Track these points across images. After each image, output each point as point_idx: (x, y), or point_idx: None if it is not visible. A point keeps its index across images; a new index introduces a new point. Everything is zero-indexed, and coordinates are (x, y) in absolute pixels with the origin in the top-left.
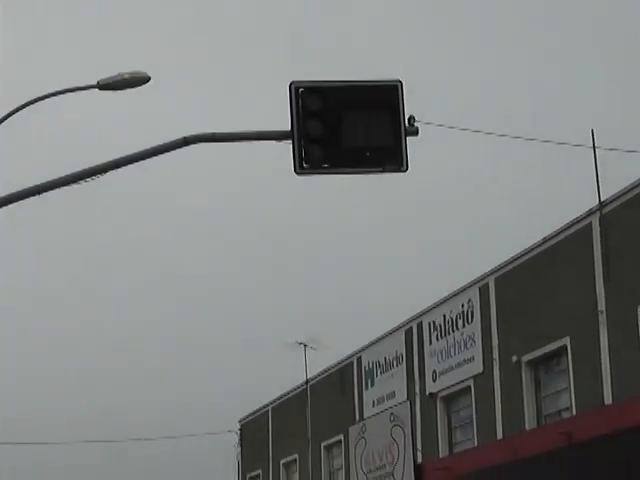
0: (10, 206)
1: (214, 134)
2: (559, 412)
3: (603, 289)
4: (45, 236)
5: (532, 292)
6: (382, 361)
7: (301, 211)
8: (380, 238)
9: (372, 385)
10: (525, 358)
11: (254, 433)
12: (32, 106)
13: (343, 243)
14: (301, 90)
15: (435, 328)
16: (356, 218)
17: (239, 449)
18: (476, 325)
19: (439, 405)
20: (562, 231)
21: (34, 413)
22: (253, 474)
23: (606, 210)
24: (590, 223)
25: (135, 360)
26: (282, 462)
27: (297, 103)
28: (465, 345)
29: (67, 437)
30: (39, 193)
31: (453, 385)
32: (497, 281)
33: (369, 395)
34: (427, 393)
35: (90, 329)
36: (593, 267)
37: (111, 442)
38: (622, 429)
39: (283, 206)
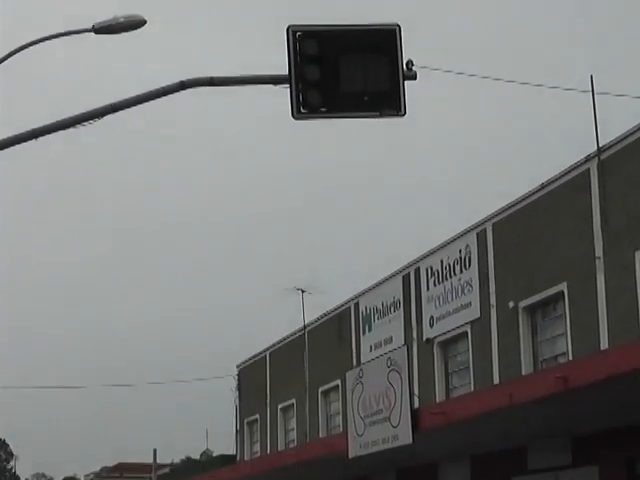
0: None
1: (212, 78)
2: (555, 357)
3: (600, 235)
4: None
5: (529, 238)
6: (380, 306)
7: (299, 157)
8: (378, 184)
9: (369, 330)
10: (522, 304)
11: (252, 378)
12: (27, 50)
13: (341, 189)
14: (299, 34)
15: (432, 274)
16: (356, 164)
17: (237, 394)
18: (473, 271)
19: (436, 350)
20: (560, 177)
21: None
22: (251, 419)
23: (604, 156)
24: (588, 169)
25: (140, 304)
26: (280, 407)
27: (295, 47)
28: (462, 291)
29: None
30: (36, 137)
31: (450, 330)
32: (495, 227)
33: (366, 340)
34: (424, 338)
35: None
36: (591, 213)
37: (116, 386)
38: (618, 374)
39: (282, 150)
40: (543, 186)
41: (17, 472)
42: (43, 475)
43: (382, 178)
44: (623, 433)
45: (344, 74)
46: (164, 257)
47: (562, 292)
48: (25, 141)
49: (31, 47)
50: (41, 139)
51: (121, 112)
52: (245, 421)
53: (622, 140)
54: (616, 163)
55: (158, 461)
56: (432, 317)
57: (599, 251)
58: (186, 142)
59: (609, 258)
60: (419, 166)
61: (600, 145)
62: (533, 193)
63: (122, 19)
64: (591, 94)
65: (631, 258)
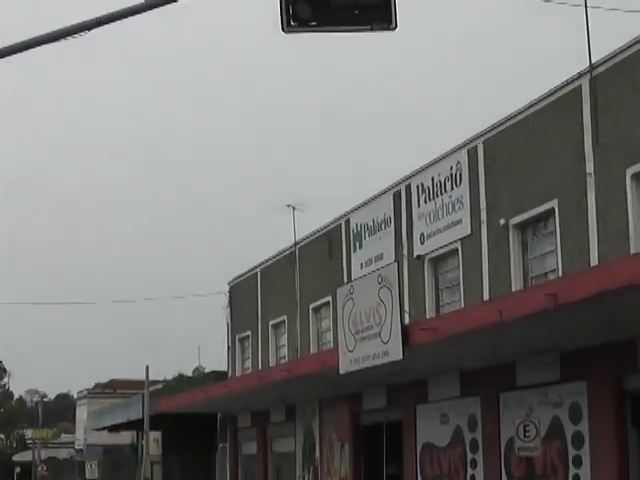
0: None
1: None
2: (545, 274)
3: (592, 152)
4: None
5: (521, 155)
6: (370, 223)
7: (289, 74)
8: (374, 100)
9: (360, 247)
10: (513, 221)
11: (243, 295)
12: None
13: (329, 102)
14: None
15: (423, 191)
16: (346, 75)
17: (228, 311)
18: (464, 188)
19: (426, 267)
20: (552, 94)
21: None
22: (242, 335)
23: (596, 72)
24: (580, 86)
25: (132, 223)
26: (271, 323)
27: None
28: (453, 208)
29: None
30: (21, 50)
31: (440, 247)
32: (486, 144)
33: (357, 257)
34: (415, 255)
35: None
36: (582, 130)
37: (114, 303)
38: (607, 290)
39: (272, 65)
40: (534, 103)
41: (11, 389)
42: (36, 392)
43: (375, 94)
44: (611, 349)
45: None
46: (158, 179)
47: (553, 209)
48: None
49: None
50: None
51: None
52: (236, 338)
53: (614, 56)
54: (608, 80)
55: (150, 378)
56: (423, 234)
57: (590, 168)
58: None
59: (600, 175)
60: (412, 82)
61: (592, 62)
62: (524, 110)
63: None
64: (584, 8)
65: (622, 175)
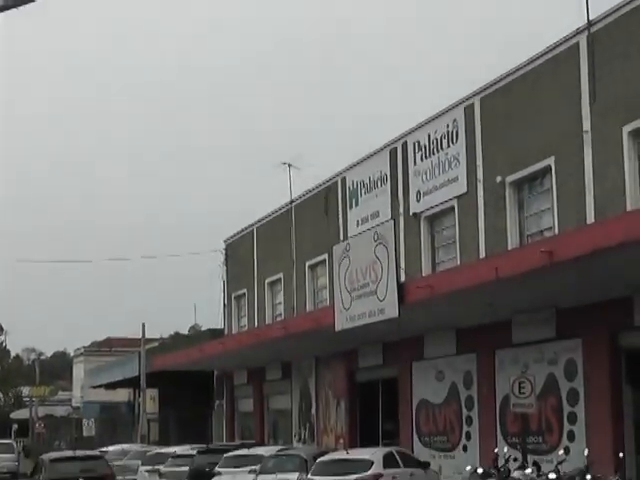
0: None
1: None
2: (541, 232)
3: (589, 109)
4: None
5: (518, 113)
6: (366, 181)
7: (284, 24)
8: (369, 56)
9: (356, 205)
10: (509, 178)
11: (239, 253)
12: None
13: (329, 59)
14: None
15: (420, 148)
16: (345, 27)
17: (224, 269)
18: (461, 145)
19: (423, 225)
20: (549, 51)
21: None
22: (238, 293)
23: (594, 29)
24: (577, 43)
25: (130, 180)
26: (267, 281)
27: None
28: (449, 165)
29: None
30: None
31: (437, 205)
32: (482, 101)
33: (353, 215)
34: (411, 213)
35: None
36: (579, 87)
37: (111, 260)
38: (603, 248)
39: (266, 15)
40: (532, 60)
41: (7, 346)
42: (33, 350)
43: (360, 49)
44: (607, 306)
45: None
46: (156, 136)
47: (549, 167)
48: None
49: None
50: None
51: None
52: (233, 296)
53: (612, 13)
54: (606, 37)
55: (147, 336)
56: (419, 192)
57: (587, 125)
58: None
59: (597, 132)
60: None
61: (590, 19)
62: (521, 67)
63: None
64: None
65: (619, 132)
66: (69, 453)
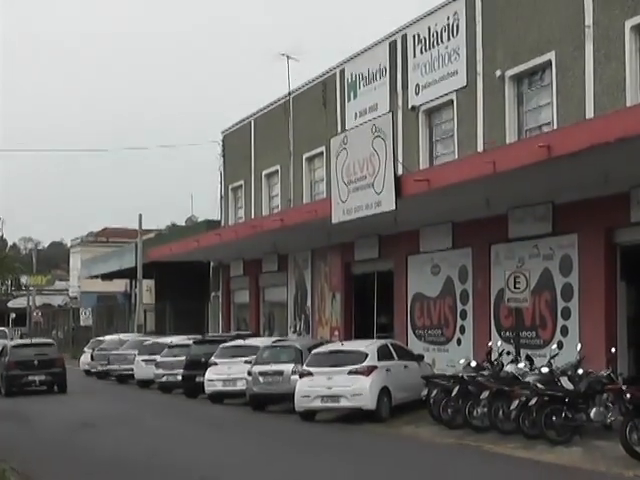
0: None
1: None
2: (540, 127)
3: (591, 3)
4: None
5: (519, 6)
6: (365, 73)
7: None
8: None
9: (355, 97)
10: (509, 73)
11: (237, 144)
12: None
13: None
14: None
15: (420, 41)
16: None
17: (222, 160)
18: (461, 38)
19: (421, 118)
20: None
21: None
22: (235, 185)
23: None
24: None
25: (130, 71)
26: (264, 173)
27: None
28: (449, 59)
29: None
30: None
31: (436, 98)
32: None
33: (351, 107)
34: (409, 106)
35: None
36: None
37: (110, 151)
38: (601, 143)
39: None
40: None
41: (4, 236)
42: (30, 239)
43: None
44: (603, 202)
45: None
46: (156, 27)
47: (550, 61)
48: None
49: None
50: None
51: None
52: (230, 187)
53: None
54: None
55: (144, 227)
56: (418, 85)
57: (589, 19)
58: None
59: (598, 27)
60: None
61: None
62: None
63: None
64: None
65: (621, 27)
66: (27, 341)
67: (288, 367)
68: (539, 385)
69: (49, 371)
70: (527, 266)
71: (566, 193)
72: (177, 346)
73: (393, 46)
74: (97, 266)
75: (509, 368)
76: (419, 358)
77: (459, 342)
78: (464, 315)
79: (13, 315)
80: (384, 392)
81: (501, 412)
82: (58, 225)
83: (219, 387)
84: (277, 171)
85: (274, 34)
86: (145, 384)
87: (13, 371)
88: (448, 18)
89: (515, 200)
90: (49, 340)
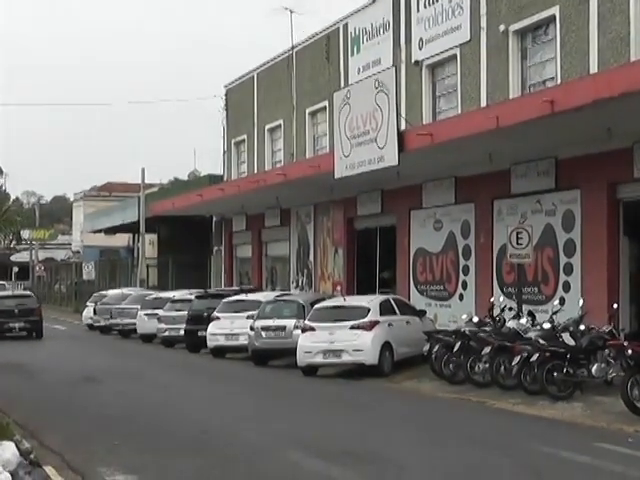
0: None
1: None
2: (544, 82)
3: None
4: None
5: None
6: (369, 28)
7: None
8: None
9: (358, 52)
10: (513, 27)
11: (240, 99)
12: None
13: None
14: None
15: None
16: None
17: (224, 114)
18: None
19: (424, 73)
20: None
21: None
22: (238, 139)
23: None
24: None
25: (132, 26)
26: (267, 127)
27: None
28: (453, 13)
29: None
30: None
31: (439, 53)
32: None
33: (354, 62)
34: (413, 61)
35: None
36: None
37: (111, 106)
38: (605, 98)
39: None
40: None
41: (7, 190)
42: (33, 193)
43: None
44: (606, 158)
45: None
46: None
47: (553, 16)
48: None
49: None
50: None
51: None
52: (232, 141)
53: None
54: None
55: (146, 181)
56: (421, 39)
57: None
58: None
59: None
60: None
61: None
62: None
63: None
64: None
65: None
66: (9, 292)
67: (290, 322)
68: (541, 341)
69: (28, 319)
70: (529, 222)
71: (569, 148)
72: (179, 300)
73: (397, 0)
74: (100, 220)
75: (511, 324)
76: (421, 313)
77: (461, 297)
78: (466, 271)
79: (16, 269)
80: (386, 347)
81: (502, 368)
82: (61, 179)
83: (221, 341)
84: (280, 125)
85: None
86: (148, 338)
87: None
88: None
89: (518, 155)
90: (28, 292)
